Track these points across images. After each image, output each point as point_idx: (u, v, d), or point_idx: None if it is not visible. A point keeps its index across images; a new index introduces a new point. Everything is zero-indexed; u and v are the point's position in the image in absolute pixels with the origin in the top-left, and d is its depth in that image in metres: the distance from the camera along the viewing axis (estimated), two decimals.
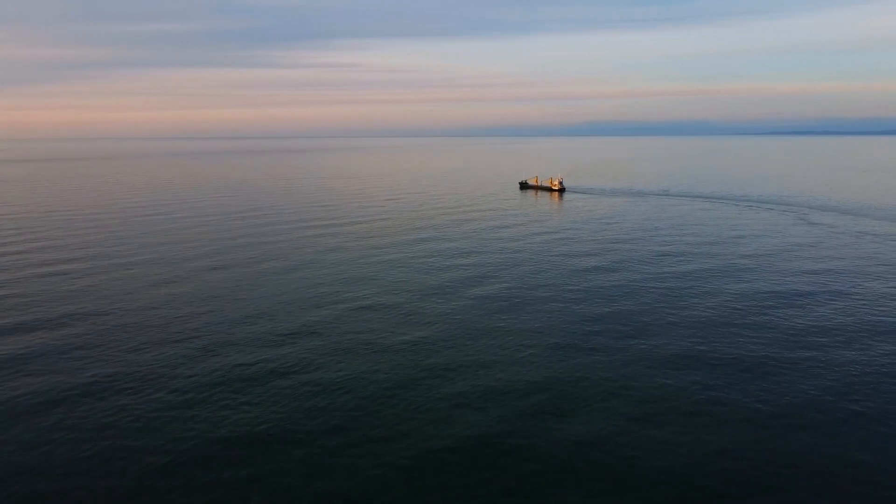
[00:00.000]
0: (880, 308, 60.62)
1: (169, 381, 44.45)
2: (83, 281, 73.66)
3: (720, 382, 43.53)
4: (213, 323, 57.35)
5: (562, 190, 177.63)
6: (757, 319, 57.13)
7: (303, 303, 63.38)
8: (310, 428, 37.64)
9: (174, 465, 33.83)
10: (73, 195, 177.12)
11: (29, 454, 35.13)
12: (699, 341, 51.54)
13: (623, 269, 77.24)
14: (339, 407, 40.35)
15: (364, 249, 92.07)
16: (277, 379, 44.67)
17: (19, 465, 34.04)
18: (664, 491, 31.23)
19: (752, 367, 46.06)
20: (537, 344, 51.08)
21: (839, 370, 45.56)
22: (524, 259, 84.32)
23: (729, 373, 45.16)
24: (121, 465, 33.98)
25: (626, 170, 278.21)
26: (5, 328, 56.54)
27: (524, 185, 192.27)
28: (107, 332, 55.31)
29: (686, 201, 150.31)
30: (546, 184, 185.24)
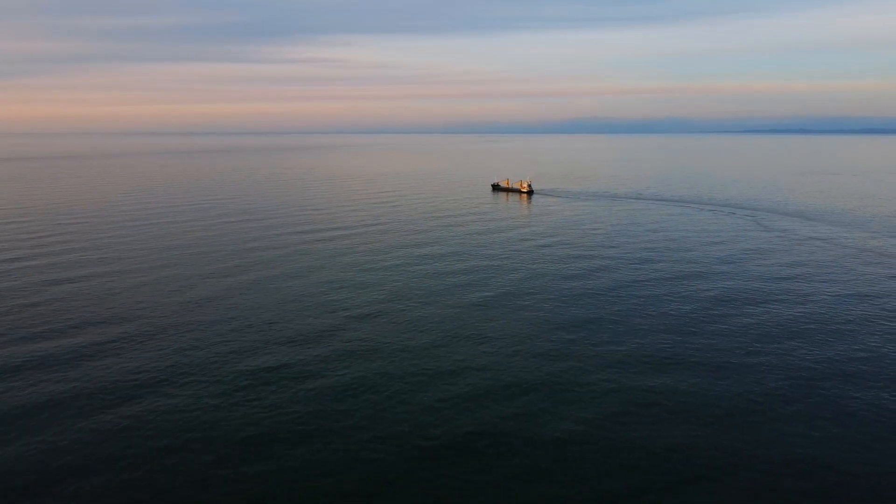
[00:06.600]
0: (833, 312, 64.46)
1: (191, 388, 46.26)
2: (94, 291, 74.37)
3: (686, 383, 46.71)
4: (227, 332, 59.09)
5: (530, 192, 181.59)
6: (722, 324, 60.61)
7: (307, 310, 65.35)
8: (323, 428, 40.04)
9: (204, 462, 35.86)
10: (63, 197, 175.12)
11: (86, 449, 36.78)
12: (667, 345, 54.79)
13: (592, 277, 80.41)
14: (349, 409, 42.79)
15: (356, 256, 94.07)
16: (296, 383, 47.02)
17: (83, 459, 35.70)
18: (634, 479, 34.24)
19: (715, 369, 49.33)
20: (521, 350, 53.98)
21: (793, 371, 49.05)
22: (501, 265, 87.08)
23: (693, 374, 48.36)
24: (153, 459, 35.87)
25: (601, 171, 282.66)
26: (40, 336, 57.56)
27: (496, 187, 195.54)
28: (126, 342, 56.73)
29: (654, 205, 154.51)
30: (516, 186, 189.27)
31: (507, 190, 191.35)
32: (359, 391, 45.11)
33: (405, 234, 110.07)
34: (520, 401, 43.49)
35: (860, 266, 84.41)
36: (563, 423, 40.27)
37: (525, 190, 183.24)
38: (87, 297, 69.11)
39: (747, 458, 36.37)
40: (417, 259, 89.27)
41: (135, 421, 40.68)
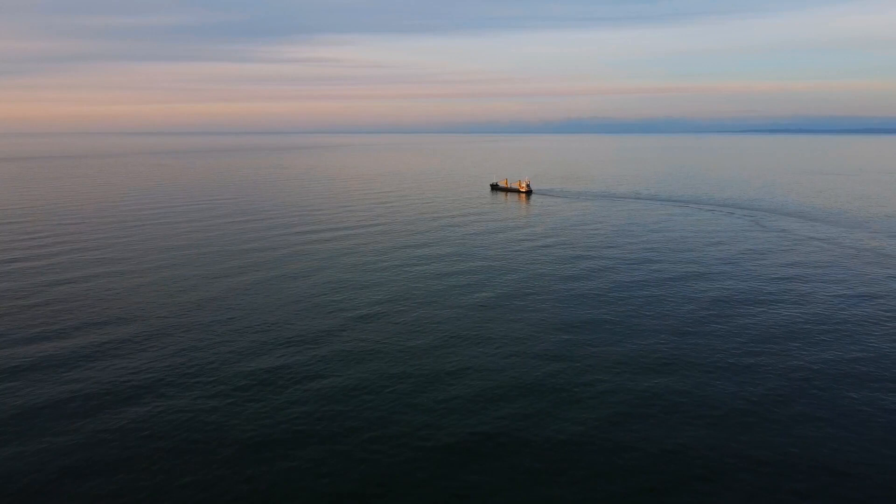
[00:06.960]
0: (832, 312, 64.56)
1: (190, 389, 46.31)
2: (94, 291, 74.43)
3: (685, 383, 46.79)
4: (226, 332, 59.19)
5: (529, 192, 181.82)
6: (720, 325, 60.69)
7: (307, 311, 65.41)
8: (322, 429, 40.15)
9: (206, 464, 35.94)
10: (63, 197, 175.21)
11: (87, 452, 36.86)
12: (666, 345, 54.87)
13: (591, 278, 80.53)
14: (348, 410, 42.86)
15: (355, 257, 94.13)
16: (294, 384, 47.04)
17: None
18: (633, 480, 34.33)
19: (714, 369, 49.42)
20: (523, 351, 54.04)
21: (792, 372, 49.14)
22: (500, 266, 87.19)
23: (692, 374, 48.45)
24: (149, 462, 35.93)
25: (600, 171, 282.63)
26: (40, 336, 57.58)
27: (494, 187, 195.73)
28: (126, 342, 56.80)
29: (654, 205, 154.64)
30: (515, 186, 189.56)
31: (506, 190, 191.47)
32: (358, 392, 45.20)
33: (404, 235, 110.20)
34: (519, 402, 43.59)
35: (859, 266, 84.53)
36: (562, 424, 40.38)
37: (524, 190, 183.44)
38: (87, 297, 69.19)
39: (745, 458, 36.47)
40: (416, 259, 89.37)
41: (134, 421, 40.76)
